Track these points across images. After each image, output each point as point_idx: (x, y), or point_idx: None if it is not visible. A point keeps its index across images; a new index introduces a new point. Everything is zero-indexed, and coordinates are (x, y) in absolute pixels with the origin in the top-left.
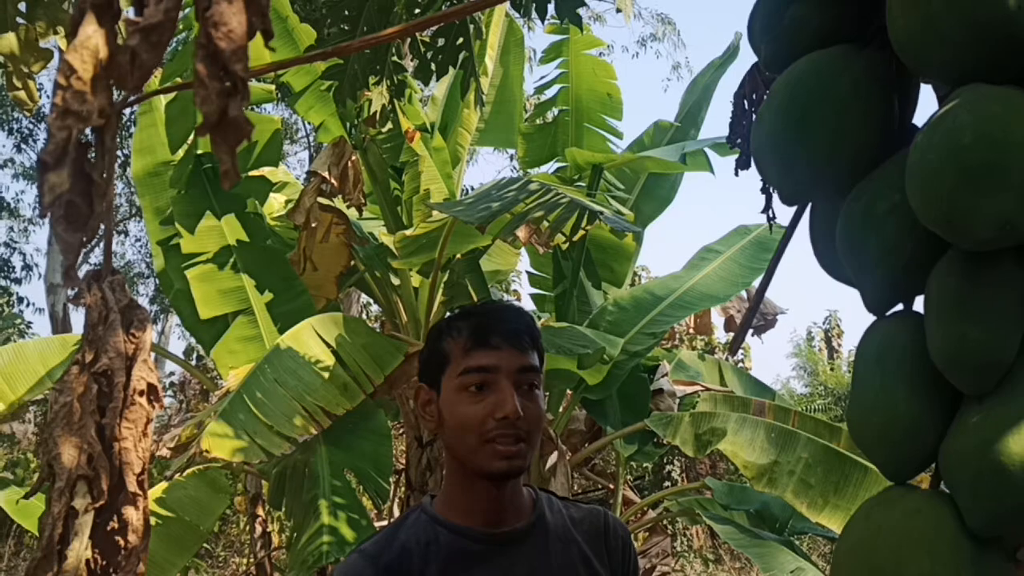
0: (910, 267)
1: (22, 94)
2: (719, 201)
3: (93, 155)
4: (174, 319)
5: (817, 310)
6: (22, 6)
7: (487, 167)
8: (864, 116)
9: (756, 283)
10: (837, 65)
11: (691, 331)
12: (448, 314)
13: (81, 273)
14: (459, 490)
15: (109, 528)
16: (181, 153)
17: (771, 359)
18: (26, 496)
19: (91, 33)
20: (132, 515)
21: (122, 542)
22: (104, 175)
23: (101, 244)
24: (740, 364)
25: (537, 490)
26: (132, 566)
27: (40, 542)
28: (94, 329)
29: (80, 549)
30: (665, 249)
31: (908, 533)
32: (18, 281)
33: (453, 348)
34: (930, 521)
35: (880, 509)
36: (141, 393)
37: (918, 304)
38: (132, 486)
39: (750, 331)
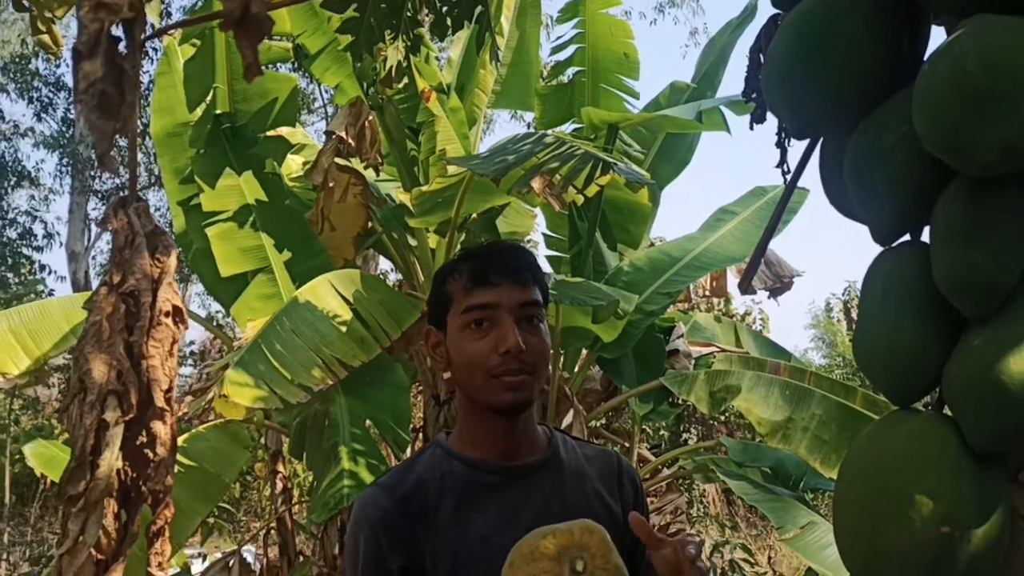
0: (917, 196)
1: (46, 38)
2: (735, 165)
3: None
4: (194, 288)
5: (836, 281)
6: None
7: (503, 134)
8: (873, 51)
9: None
10: (846, 0)
11: (707, 294)
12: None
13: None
14: (472, 425)
15: (139, 441)
16: (200, 112)
17: (789, 330)
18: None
19: None
20: (160, 429)
21: (151, 455)
22: (134, 67)
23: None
24: (759, 332)
25: (552, 428)
26: (161, 477)
27: (72, 452)
28: (121, 252)
29: (111, 459)
30: (681, 215)
31: (912, 454)
32: (39, 249)
33: (455, 288)
34: (933, 441)
35: (884, 432)
36: (167, 314)
37: (925, 236)
38: (160, 402)
39: (766, 292)
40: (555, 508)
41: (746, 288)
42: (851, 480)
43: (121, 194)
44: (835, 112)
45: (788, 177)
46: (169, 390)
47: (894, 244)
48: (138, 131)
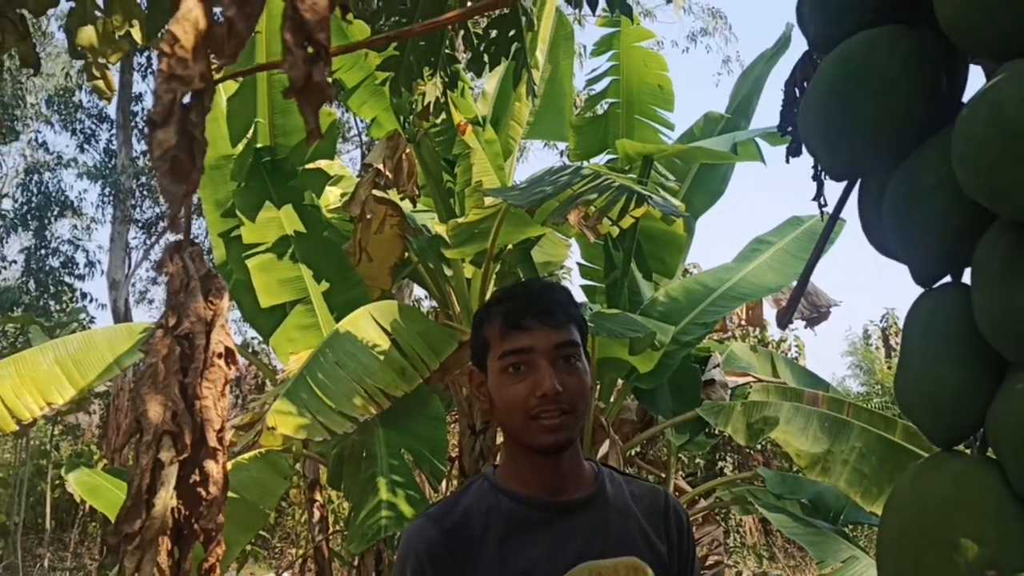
0: (958, 238)
1: (100, 83)
2: (771, 193)
3: (194, 116)
4: (231, 316)
5: (874, 308)
6: (100, 1)
7: (537, 164)
8: (912, 93)
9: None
10: (885, 43)
11: (743, 324)
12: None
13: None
14: (518, 462)
15: (192, 480)
16: (241, 147)
17: (826, 357)
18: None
19: (192, 6)
20: (213, 468)
21: (204, 493)
22: (202, 133)
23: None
24: (795, 360)
25: (599, 464)
26: (213, 515)
27: (129, 491)
28: (176, 296)
29: (166, 498)
30: (716, 244)
31: (956, 497)
32: (81, 277)
33: (491, 333)
34: (977, 485)
35: (927, 474)
36: (220, 355)
37: (966, 277)
38: (212, 441)
39: (803, 323)
40: (600, 545)
41: (785, 323)
42: (894, 523)
43: (170, 235)
44: (874, 155)
45: (824, 210)
46: (221, 430)
47: (935, 285)
48: None
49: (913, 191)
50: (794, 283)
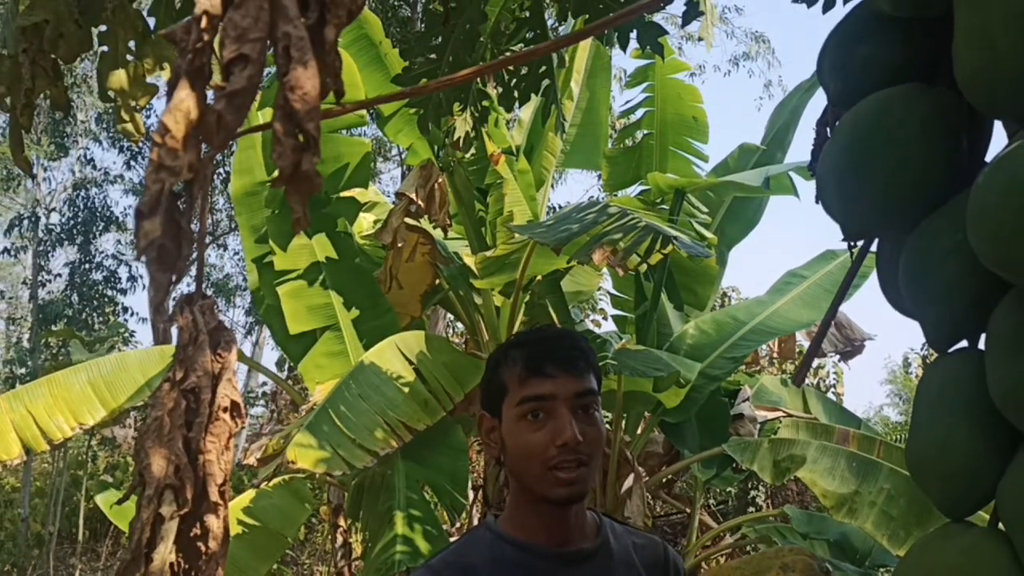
0: (972, 305)
1: (129, 126)
2: (809, 220)
3: (183, 204)
4: (266, 331)
5: (914, 335)
6: (132, 44)
7: (576, 186)
8: (929, 155)
9: (841, 308)
10: (902, 104)
11: (775, 356)
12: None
13: (176, 296)
14: (524, 511)
15: (192, 534)
16: (276, 173)
17: (865, 385)
18: (119, 501)
19: (184, 97)
20: (213, 523)
21: (203, 548)
22: (191, 222)
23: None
24: (832, 390)
25: (600, 514)
26: (212, 570)
27: (129, 545)
28: (185, 349)
29: (165, 552)
30: (753, 269)
31: (962, 569)
32: (123, 292)
33: (510, 378)
34: (985, 558)
35: (936, 545)
36: (225, 410)
37: (982, 343)
38: (214, 496)
39: (836, 356)
40: None
41: (800, 382)
42: None
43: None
44: (889, 217)
45: (854, 249)
46: (223, 484)
47: (951, 350)
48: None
49: (928, 256)
50: None
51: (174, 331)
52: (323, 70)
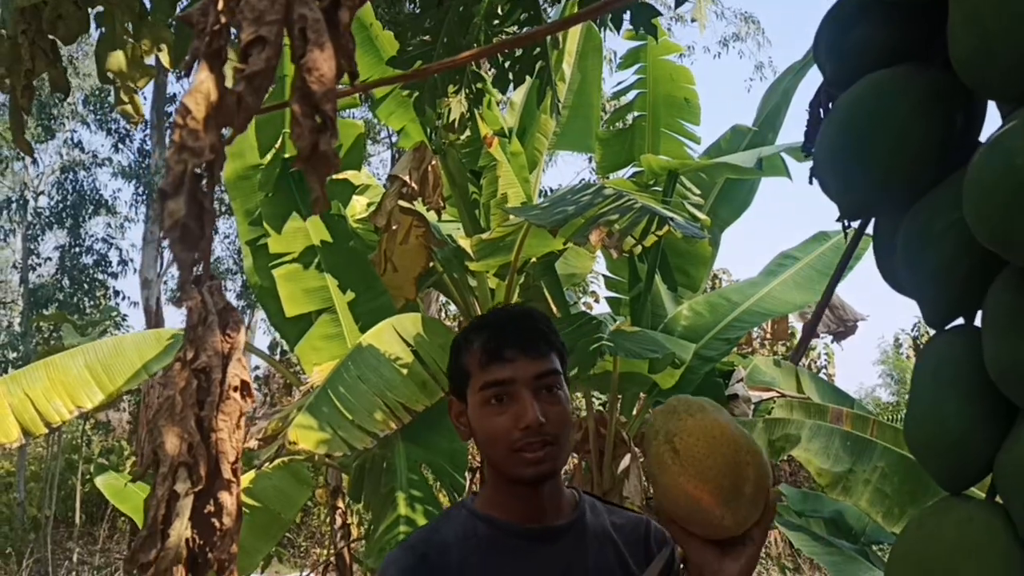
0: (968, 283)
1: (128, 107)
2: (801, 200)
3: (204, 184)
4: (260, 314)
5: (906, 316)
6: (129, 26)
7: (566, 168)
8: (925, 135)
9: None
10: (898, 84)
11: (768, 337)
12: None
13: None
14: (498, 490)
15: (206, 511)
16: (269, 157)
17: (858, 366)
18: (132, 480)
19: (204, 79)
20: (227, 500)
21: (218, 524)
22: (212, 202)
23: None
24: (823, 371)
25: (581, 492)
26: (226, 546)
27: (145, 521)
28: (194, 329)
29: (181, 529)
30: (745, 251)
31: (960, 541)
32: (115, 275)
33: (471, 364)
34: (982, 530)
35: (933, 517)
36: (235, 389)
37: (979, 319)
38: (227, 473)
39: (830, 337)
40: (577, 573)
41: (799, 358)
42: (899, 566)
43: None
44: (885, 197)
45: (848, 230)
46: (235, 461)
47: (948, 327)
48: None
49: (924, 234)
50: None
51: (168, 310)
52: (338, 52)
